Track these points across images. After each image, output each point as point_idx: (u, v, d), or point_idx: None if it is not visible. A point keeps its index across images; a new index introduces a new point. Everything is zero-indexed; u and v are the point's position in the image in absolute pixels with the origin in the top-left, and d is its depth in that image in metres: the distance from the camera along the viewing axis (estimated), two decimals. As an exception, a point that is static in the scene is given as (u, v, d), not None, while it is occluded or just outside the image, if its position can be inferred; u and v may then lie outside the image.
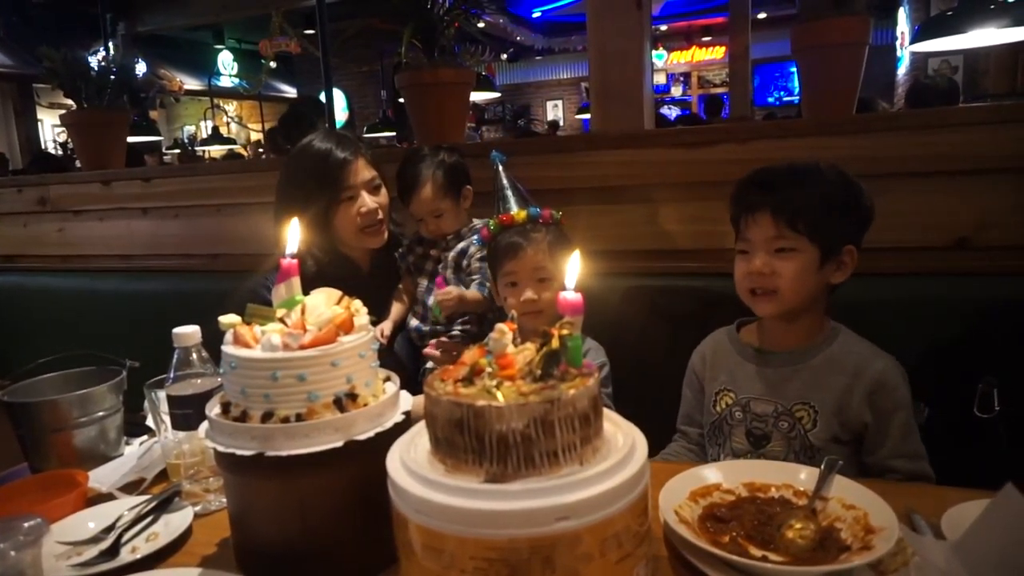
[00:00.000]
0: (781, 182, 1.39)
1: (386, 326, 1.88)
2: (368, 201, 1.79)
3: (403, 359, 1.90)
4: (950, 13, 2.30)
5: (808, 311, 1.43)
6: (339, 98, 10.59)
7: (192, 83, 11.67)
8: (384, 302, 1.96)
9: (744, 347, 1.51)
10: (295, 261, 1.07)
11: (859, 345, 1.42)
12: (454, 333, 1.87)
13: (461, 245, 1.89)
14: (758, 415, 1.43)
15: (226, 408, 1.03)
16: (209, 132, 9.80)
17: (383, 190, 1.86)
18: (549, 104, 14.76)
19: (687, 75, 13.99)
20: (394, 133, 7.92)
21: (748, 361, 1.49)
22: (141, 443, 1.55)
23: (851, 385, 1.37)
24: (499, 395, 0.80)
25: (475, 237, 1.88)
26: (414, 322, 1.93)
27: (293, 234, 1.10)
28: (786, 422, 1.40)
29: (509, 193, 1.69)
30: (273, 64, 10.30)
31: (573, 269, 0.93)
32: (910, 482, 1.31)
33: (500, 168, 1.71)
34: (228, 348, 1.02)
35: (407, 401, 1.10)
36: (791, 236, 1.35)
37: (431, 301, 1.80)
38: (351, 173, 1.77)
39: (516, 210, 1.64)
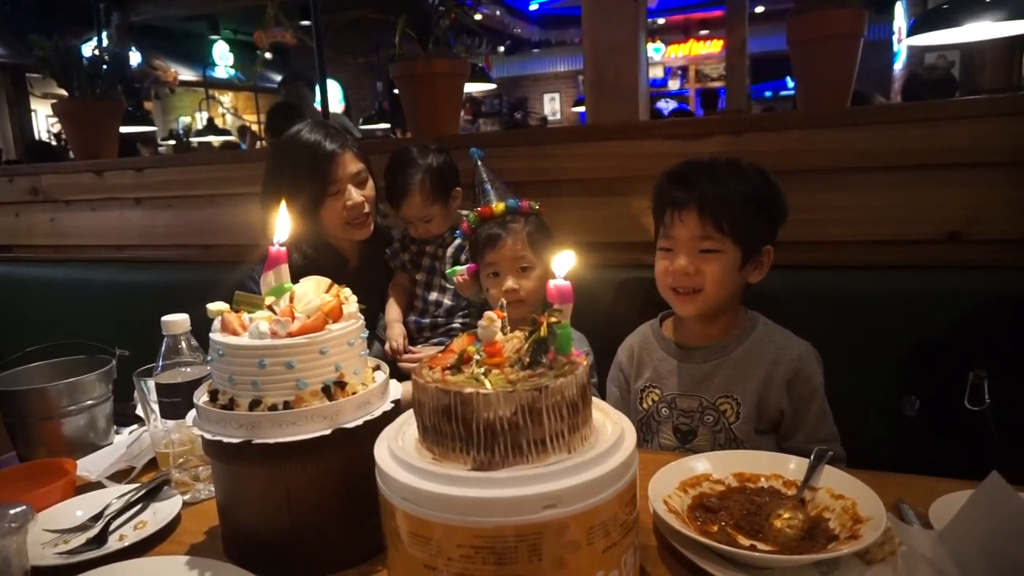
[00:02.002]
0: (705, 178, 1.39)
1: (400, 339, 1.86)
2: (354, 195, 1.78)
3: None
4: (946, 6, 2.30)
5: (727, 309, 1.46)
6: (335, 89, 10.55)
7: (187, 74, 11.59)
8: (373, 296, 1.94)
9: (667, 342, 1.53)
10: (283, 249, 1.07)
11: (776, 334, 1.45)
12: (454, 326, 1.87)
13: (459, 241, 1.89)
14: (684, 411, 1.46)
15: (214, 396, 1.02)
16: (204, 123, 9.75)
17: (370, 183, 1.85)
18: (546, 97, 14.71)
19: (684, 69, 13.96)
20: (388, 125, 7.89)
21: (671, 357, 1.51)
22: (131, 432, 1.54)
23: (770, 373, 1.40)
24: (487, 383, 0.80)
25: None
26: (412, 316, 1.93)
27: (283, 222, 1.09)
28: (711, 416, 1.43)
29: (488, 187, 1.69)
30: (268, 55, 10.26)
31: (564, 259, 0.92)
32: (896, 474, 1.32)
33: (479, 163, 1.72)
34: (216, 335, 1.02)
35: (396, 390, 1.10)
36: (716, 237, 1.37)
37: (458, 272, 1.78)
38: (338, 167, 1.76)
39: (495, 203, 1.65)
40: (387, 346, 1.86)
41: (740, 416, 1.41)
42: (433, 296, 1.90)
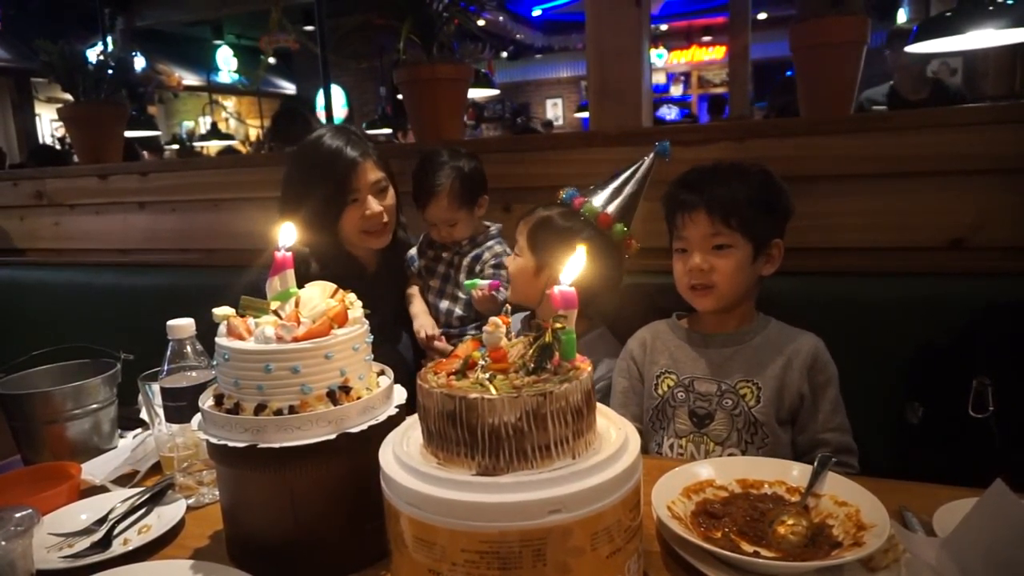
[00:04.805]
0: (711, 181, 1.44)
1: (430, 327, 1.85)
2: (373, 205, 1.75)
3: (408, 359, 1.90)
4: (948, 14, 2.30)
5: (742, 303, 1.49)
6: (338, 94, 10.58)
7: (191, 79, 11.63)
8: (389, 302, 1.94)
9: (684, 332, 1.55)
10: (289, 254, 1.07)
11: (789, 329, 1.50)
12: (468, 336, 1.86)
13: (476, 251, 1.87)
14: (701, 394, 1.47)
15: (219, 400, 1.03)
16: (208, 128, 9.78)
17: (390, 191, 1.82)
18: (549, 102, 14.74)
19: (687, 75, 13.98)
20: (390, 130, 7.91)
21: (688, 343, 1.53)
22: (135, 436, 1.54)
23: (789, 361, 1.43)
24: (492, 388, 0.81)
25: (490, 243, 1.88)
26: None
27: (288, 228, 1.10)
28: (730, 400, 1.44)
29: (616, 178, 1.62)
30: (272, 60, 10.30)
31: (573, 264, 0.92)
32: (900, 480, 1.32)
33: (650, 157, 1.62)
34: (221, 340, 1.02)
35: (401, 395, 1.10)
36: (726, 233, 1.41)
37: (477, 286, 1.76)
38: (358, 175, 1.73)
39: (591, 195, 1.62)
40: (418, 335, 1.84)
41: (761, 400, 1.42)
42: (444, 305, 1.89)
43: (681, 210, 1.45)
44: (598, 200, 1.61)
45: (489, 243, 1.89)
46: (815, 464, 1.12)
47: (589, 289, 1.62)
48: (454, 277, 1.88)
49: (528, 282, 1.62)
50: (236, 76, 11.81)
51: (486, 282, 1.73)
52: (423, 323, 1.86)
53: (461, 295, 1.86)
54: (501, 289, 1.74)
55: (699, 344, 1.51)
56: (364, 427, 0.99)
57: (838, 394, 1.44)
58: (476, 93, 6.22)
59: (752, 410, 1.42)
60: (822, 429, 1.41)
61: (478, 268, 1.86)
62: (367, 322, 1.08)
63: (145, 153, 6.73)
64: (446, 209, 1.82)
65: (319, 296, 1.07)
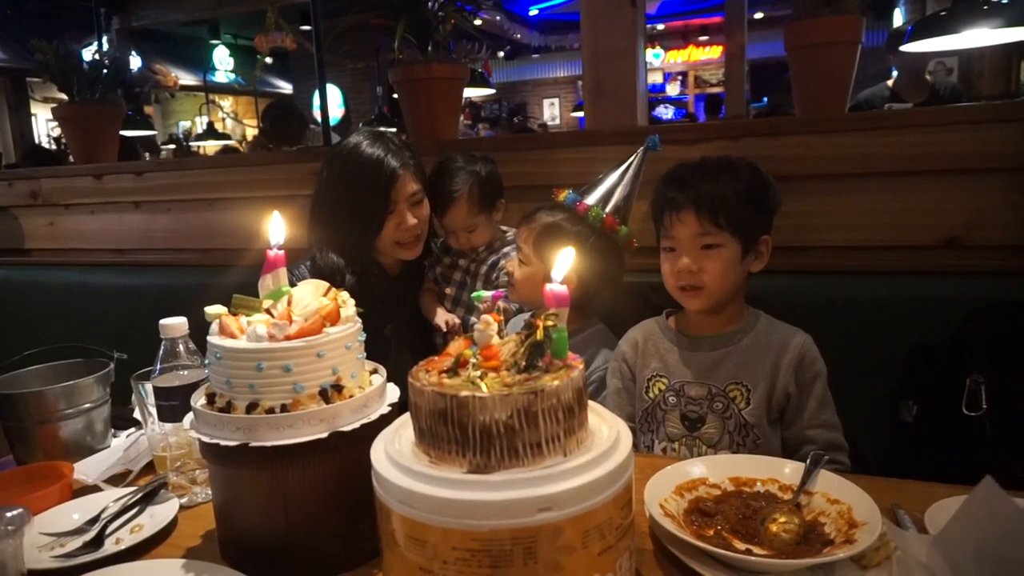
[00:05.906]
0: (699, 178, 1.43)
1: (450, 317, 1.84)
2: (409, 218, 1.73)
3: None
4: (943, 13, 2.30)
5: (732, 300, 1.49)
6: (334, 94, 10.57)
7: (187, 78, 11.61)
8: (409, 302, 1.93)
9: (673, 333, 1.55)
10: (282, 252, 1.07)
11: (778, 325, 1.49)
12: None
13: (493, 259, 1.86)
14: (692, 398, 1.47)
15: (211, 399, 1.02)
16: (204, 128, 9.76)
17: (425, 202, 1.79)
18: (546, 102, 14.75)
19: (684, 74, 14.00)
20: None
21: (678, 347, 1.52)
22: (128, 435, 1.54)
23: (778, 360, 1.43)
24: (483, 386, 0.80)
25: (507, 249, 1.87)
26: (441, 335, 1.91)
27: (277, 225, 1.09)
28: (721, 403, 1.44)
29: (609, 176, 1.62)
30: (268, 60, 10.29)
31: (563, 261, 0.92)
32: (893, 479, 1.32)
33: (640, 152, 1.62)
34: (213, 338, 1.02)
35: (394, 393, 1.10)
36: (715, 232, 1.40)
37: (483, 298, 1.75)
38: (397, 187, 1.71)
39: (586, 195, 1.61)
40: (443, 323, 1.83)
41: (751, 402, 1.42)
42: (460, 313, 1.87)
43: (669, 209, 1.44)
44: (591, 200, 1.62)
45: (506, 250, 1.87)
46: (807, 462, 1.12)
47: (593, 288, 1.64)
48: (471, 285, 1.87)
49: (537, 288, 1.62)
50: (233, 76, 11.80)
51: (490, 293, 1.72)
52: (446, 316, 1.85)
53: (476, 304, 1.85)
54: (511, 300, 1.73)
55: (689, 347, 1.51)
56: (356, 426, 0.99)
57: (825, 391, 1.43)
58: (472, 92, 6.23)
59: (742, 412, 1.42)
60: (808, 425, 1.41)
61: (495, 276, 1.84)
62: (360, 320, 1.08)
63: (147, 154, 6.72)
64: (465, 216, 1.80)
65: (311, 295, 1.07)
